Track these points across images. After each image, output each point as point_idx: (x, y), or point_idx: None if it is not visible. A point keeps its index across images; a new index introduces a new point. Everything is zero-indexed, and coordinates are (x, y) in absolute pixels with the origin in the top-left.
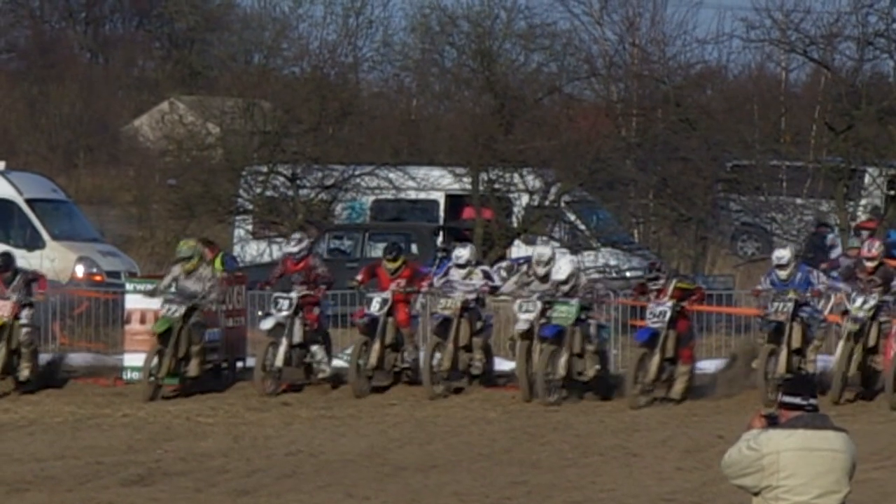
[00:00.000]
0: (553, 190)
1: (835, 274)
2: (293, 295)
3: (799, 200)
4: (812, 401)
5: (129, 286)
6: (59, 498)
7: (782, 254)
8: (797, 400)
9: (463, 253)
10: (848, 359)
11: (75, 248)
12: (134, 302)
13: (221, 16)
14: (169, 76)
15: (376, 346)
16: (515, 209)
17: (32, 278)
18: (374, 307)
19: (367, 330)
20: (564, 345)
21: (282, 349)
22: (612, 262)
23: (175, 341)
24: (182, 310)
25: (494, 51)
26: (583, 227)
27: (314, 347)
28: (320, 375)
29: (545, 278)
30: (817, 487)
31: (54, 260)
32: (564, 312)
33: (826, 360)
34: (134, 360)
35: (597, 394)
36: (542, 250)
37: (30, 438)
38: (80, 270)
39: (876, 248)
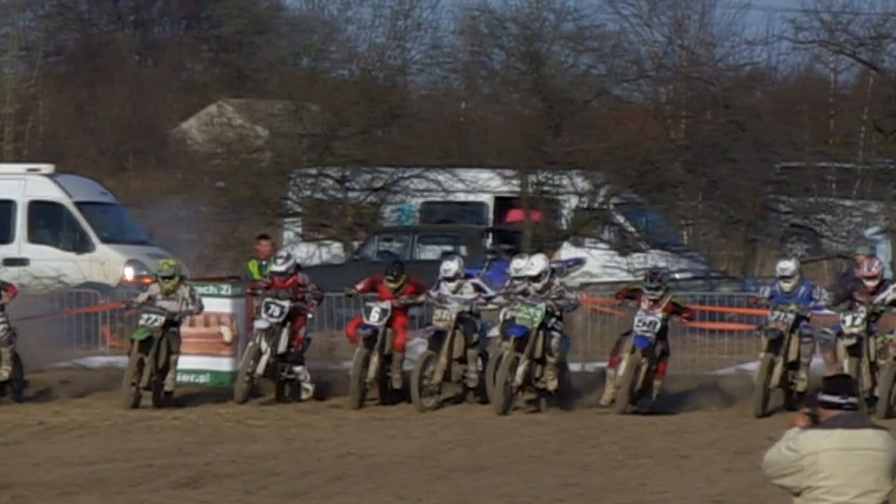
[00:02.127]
0: (602, 192)
1: (822, 303)
2: (285, 303)
3: (848, 202)
4: (851, 399)
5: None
6: (109, 501)
7: (786, 265)
8: (836, 399)
9: (451, 266)
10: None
11: (124, 250)
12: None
13: (269, 19)
14: (217, 79)
15: (375, 359)
16: (564, 211)
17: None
18: (374, 318)
19: (366, 342)
20: (525, 351)
21: (265, 358)
22: (661, 265)
23: (155, 351)
24: (161, 320)
25: (543, 53)
26: (631, 229)
27: (298, 368)
28: (304, 396)
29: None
30: (857, 487)
31: (103, 263)
32: (530, 315)
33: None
34: (184, 362)
35: (557, 405)
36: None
37: (80, 441)
38: (129, 273)
39: (876, 266)
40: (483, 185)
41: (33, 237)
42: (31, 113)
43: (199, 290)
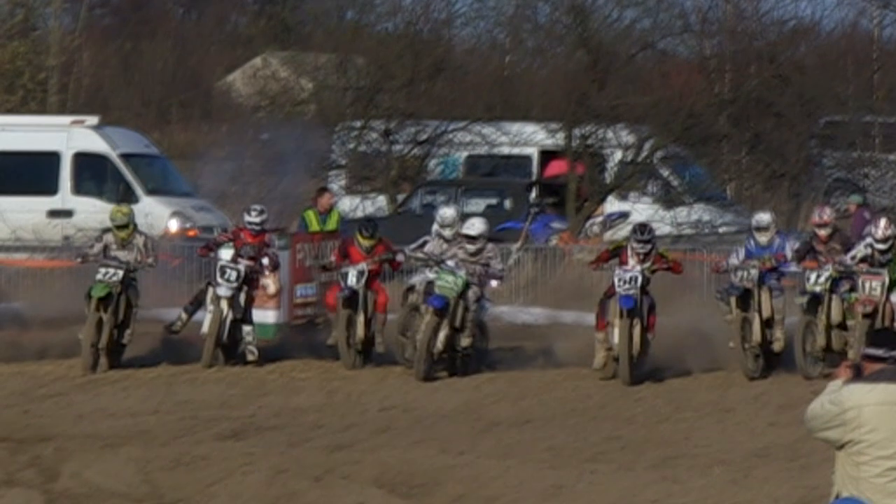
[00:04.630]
0: (646, 146)
1: (789, 254)
2: (241, 266)
3: (892, 157)
4: (895, 353)
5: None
6: (153, 452)
7: (763, 217)
8: (880, 352)
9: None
10: (808, 332)
11: (169, 202)
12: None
13: None
14: (262, 32)
15: (361, 319)
16: (609, 165)
17: None
18: (352, 280)
19: (348, 303)
20: (446, 318)
21: (228, 322)
22: (706, 218)
23: (115, 307)
24: (120, 274)
25: (588, 6)
26: (676, 183)
27: (247, 328)
28: (249, 358)
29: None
30: None
31: (148, 215)
32: (450, 283)
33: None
34: None
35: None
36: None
37: (124, 393)
38: (173, 225)
39: (827, 213)
40: (528, 139)
41: (78, 189)
42: (75, 65)
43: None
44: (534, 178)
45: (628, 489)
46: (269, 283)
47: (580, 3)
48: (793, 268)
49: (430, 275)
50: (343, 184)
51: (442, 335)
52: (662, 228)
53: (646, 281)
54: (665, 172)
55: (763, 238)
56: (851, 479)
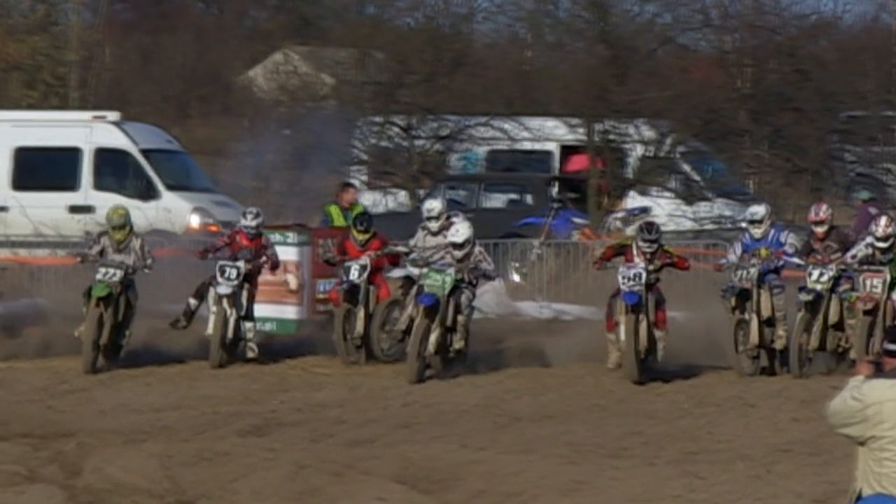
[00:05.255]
0: (667, 141)
1: (788, 248)
2: (240, 264)
3: None
4: None
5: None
6: (175, 448)
7: (757, 209)
8: None
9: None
10: (805, 331)
11: (190, 198)
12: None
13: None
14: (282, 27)
15: (361, 314)
16: (630, 160)
17: None
18: (354, 274)
19: (348, 298)
20: (437, 318)
21: (232, 321)
22: (727, 213)
23: (114, 307)
24: (120, 274)
25: (608, 1)
26: (697, 177)
27: (248, 324)
28: (249, 355)
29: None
30: None
31: (169, 210)
32: (439, 281)
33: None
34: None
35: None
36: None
37: (146, 389)
38: (194, 220)
39: (823, 210)
40: (549, 134)
41: (99, 185)
42: (96, 60)
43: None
44: (555, 173)
45: (650, 484)
46: (291, 278)
47: None
48: (796, 260)
49: (413, 269)
50: (364, 179)
51: (433, 336)
52: (684, 223)
53: (654, 278)
54: (686, 167)
55: (758, 231)
56: (874, 474)
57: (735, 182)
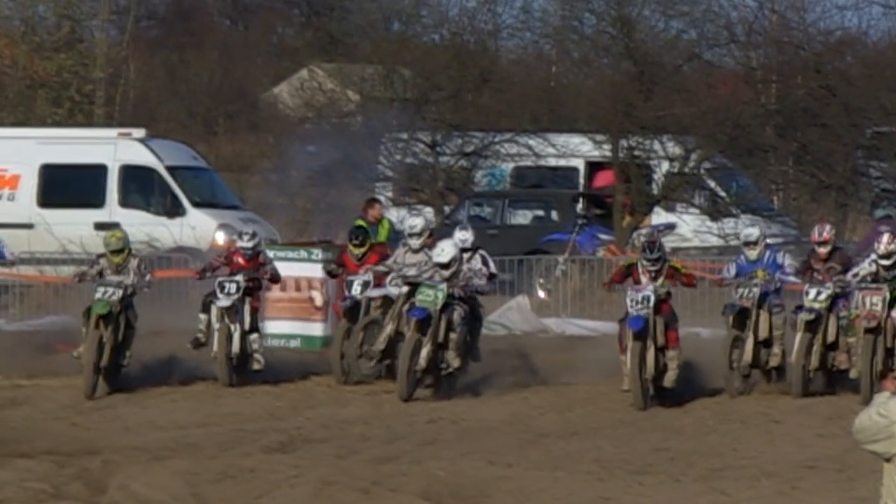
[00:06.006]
0: (693, 157)
1: (788, 269)
2: (238, 278)
3: None
4: None
5: (269, 253)
6: (200, 465)
7: (751, 232)
8: None
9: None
10: (807, 351)
11: (216, 215)
12: None
13: None
14: (308, 43)
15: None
16: (655, 176)
17: None
18: (356, 290)
19: (349, 314)
20: (428, 334)
21: (236, 336)
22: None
23: (114, 326)
24: (120, 293)
25: (634, 17)
26: (723, 193)
27: (254, 335)
28: (255, 367)
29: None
30: None
31: (195, 227)
32: (431, 296)
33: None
34: (275, 327)
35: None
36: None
37: (172, 406)
38: (220, 237)
39: (827, 231)
40: (574, 150)
41: (125, 201)
42: (121, 77)
43: (291, 254)
44: (580, 189)
45: (676, 500)
46: (316, 295)
47: (626, 13)
48: (792, 279)
49: (392, 288)
50: (390, 195)
51: (425, 352)
52: (709, 239)
53: (663, 295)
54: (711, 183)
55: (752, 253)
56: None
57: (761, 198)
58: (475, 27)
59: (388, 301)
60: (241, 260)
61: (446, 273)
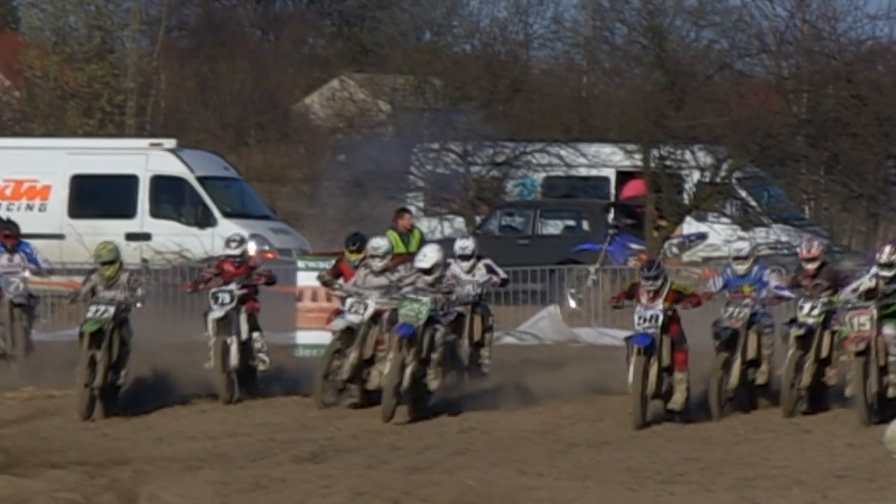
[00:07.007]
0: (724, 166)
1: (780, 283)
2: (232, 287)
3: None
4: None
5: (300, 264)
6: (231, 475)
7: (741, 246)
8: None
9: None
10: (797, 368)
11: (247, 225)
12: (306, 279)
13: None
14: (339, 54)
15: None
16: (686, 186)
17: None
18: (354, 316)
19: (342, 336)
20: (412, 350)
21: (234, 348)
22: (784, 239)
23: (108, 344)
24: (112, 310)
25: (665, 27)
26: (754, 203)
27: (255, 334)
28: (260, 367)
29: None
30: None
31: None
32: (414, 311)
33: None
34: (306, 337)
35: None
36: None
37: (202, 416)
38: (251, 248)
39: (815, 247)
40: (605, 160)
41: (156, 212)
42: (152, 87)
43: (322, 264)
44: (611, 199)
45: None
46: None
47: (657, 23)
48: (786, 293)
49: (352, 317)
50: (421, 205)
51: (409, 370)
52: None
53: (670, 317)
54: (743, 193)
55: (741, 268)
56: None
57: (792, 208)
58: (506, 37)
59: (349, 333)
60: (231, 268)
61: (429, 279)
